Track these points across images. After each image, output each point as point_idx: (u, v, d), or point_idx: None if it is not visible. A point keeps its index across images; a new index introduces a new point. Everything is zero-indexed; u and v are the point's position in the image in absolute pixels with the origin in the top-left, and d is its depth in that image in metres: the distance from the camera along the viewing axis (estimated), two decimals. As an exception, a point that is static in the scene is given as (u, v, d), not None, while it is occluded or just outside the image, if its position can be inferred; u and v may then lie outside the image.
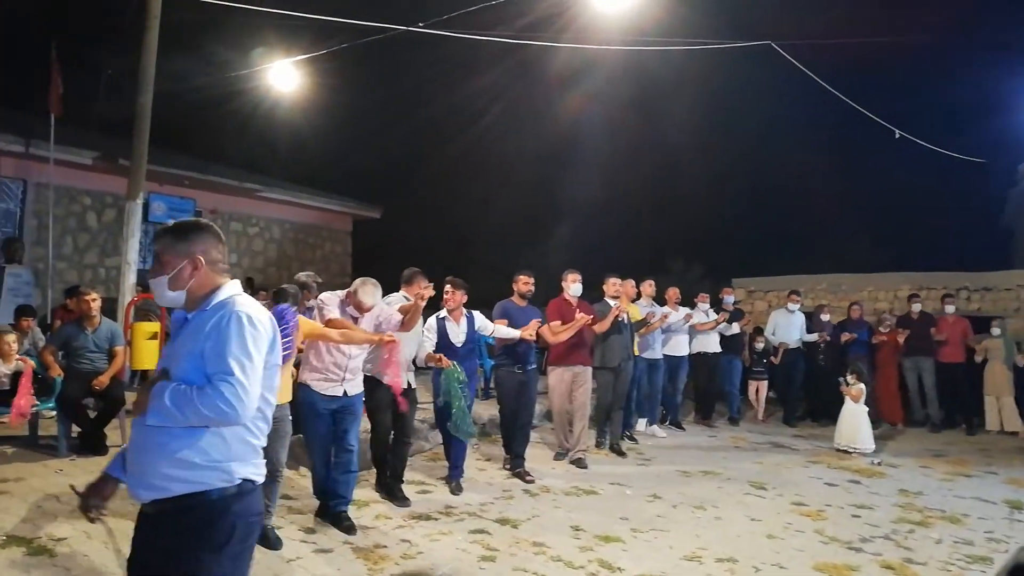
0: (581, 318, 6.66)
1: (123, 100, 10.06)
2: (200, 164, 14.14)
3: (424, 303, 5.18)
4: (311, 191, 15.52)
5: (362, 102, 22.20)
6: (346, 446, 4.95)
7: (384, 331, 4.96)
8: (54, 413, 6.19)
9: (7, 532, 4.30)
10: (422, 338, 5.81)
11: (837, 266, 13.32)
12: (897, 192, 19.59)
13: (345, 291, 5.13)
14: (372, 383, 5.26)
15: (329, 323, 4.81)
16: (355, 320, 4.99)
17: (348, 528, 4.75)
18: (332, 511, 4.89)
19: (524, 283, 6.80)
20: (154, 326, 8.29)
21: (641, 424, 8.58)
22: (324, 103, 16.29)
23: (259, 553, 4.24)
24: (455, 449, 5.94)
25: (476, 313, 6.22)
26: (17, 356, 6.15)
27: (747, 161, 21.56)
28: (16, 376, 5.90)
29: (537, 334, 6.40)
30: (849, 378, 8.18)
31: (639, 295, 8.42)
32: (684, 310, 9.16)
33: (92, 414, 6.19)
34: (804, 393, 10.21)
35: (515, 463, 6.45)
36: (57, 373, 5.96)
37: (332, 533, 4.72)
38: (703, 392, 9.72)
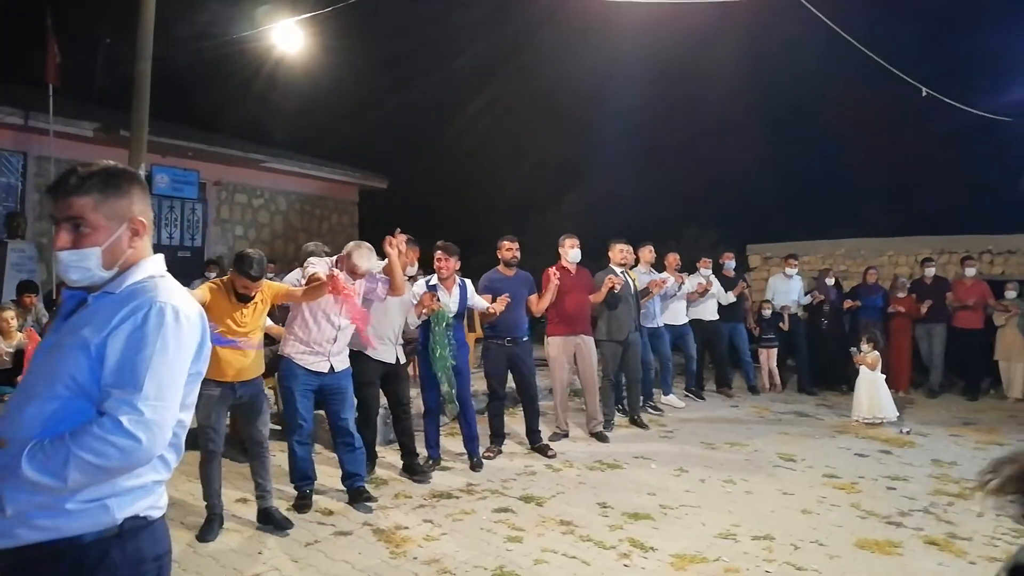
0: (552, 281, 6.26)
1: (122, 70, 9.77)
2: (203, 135, 13.85)
3: (395, 258, 4.69)
4: (317, 161, 15.24)
5: (367, 68, 21.77)
6: (344, 429, 4.73)
7: (375, 298, 4.80)
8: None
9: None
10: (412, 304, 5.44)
11: (856, 230, 13.02)
12: (919, 152, 19.01)
13: (336, 256, 4.81)
14: (359, 357, 5.00)
15: (310, 279, 4.42)
16: None
17: (367, 500, 4.65)
18: (349, 490, 4.74)
19: (507, 249, 6.27)
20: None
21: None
22: (328, 70, 15.95)
23: (274, 539, 4.11)
24: (466, 420, 5.69)
25: (468, 282, 5.88)
26: (25, 330, 5.98)
27: (762, 122, 21.00)
28: (19, 354, 5.71)
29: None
30: (864, 346, 7.84)
31: (637, 261, 8.07)
32: (686, 278, 8.85)
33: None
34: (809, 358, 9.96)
35: (532, 438, 6.22)
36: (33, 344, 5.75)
37: (352, 515, 4.54)
38: (716, 361, 9.47)
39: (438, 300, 5.34)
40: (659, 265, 8.62)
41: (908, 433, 7.17)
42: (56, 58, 10.83)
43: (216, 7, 11.22)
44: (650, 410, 7.86)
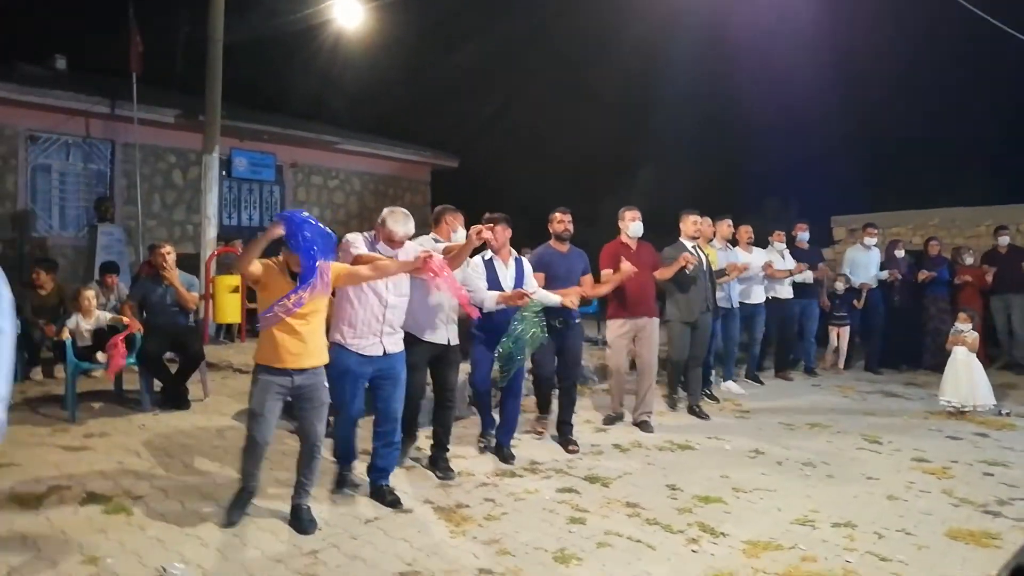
0: (622, 271, 5.73)
1: (201, 57, 9.99)
2: (279, 118, 14.13)
3: (479, 242, 4.44)
4: (389, 141, 15.36)
5: (437, 47, 21.77)
6: (389, 416, 4.37)
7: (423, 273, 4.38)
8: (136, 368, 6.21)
9: (88, 489, 4.26)
10: (473, 281, 5.07)
11: (951, 199, 12.19)
12: (1019, 115, 17.61)
13: (372, 230, 4.53)
14: (407, 339, 4.59)
15: (357, 260, 4.14)
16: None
17: (393, 503, 4.25)
18: (372, 484, 4.40)
19: (559, 222, 5.74)
20: (235, 279, 8.30)
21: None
22: (399, 50, 15.98)
23: (335, 515, 4.09)
24: (508, 408, 5.26)
25: (524, 259, 5.47)
26: (124, 305, 6.20)
27: (847, 85, 19.88)
28: (99, 331, 5.92)
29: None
30: (960, 324, 7.13)
31: (713, 235, 7.65)
32: (759, 252, 8.25)
33: (173, 368, 6.18)
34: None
35: (562, 430, 5.65)
36: (137, 328, 5.93)
37: (414, 492, 4.49)
38: (780, 342, 8.78)
39: (528, 295, 4.95)
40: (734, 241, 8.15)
41: (1008, 415, 6.67)
42: (139, 47, 11.20)
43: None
44: (705, 397, 7.22)
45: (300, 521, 3.88)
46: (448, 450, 4.96)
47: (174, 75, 14.05)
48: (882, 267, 9.28)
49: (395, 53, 15.90)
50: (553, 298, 5.26)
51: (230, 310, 8.40)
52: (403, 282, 4.35)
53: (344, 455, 4.49)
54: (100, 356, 5.91)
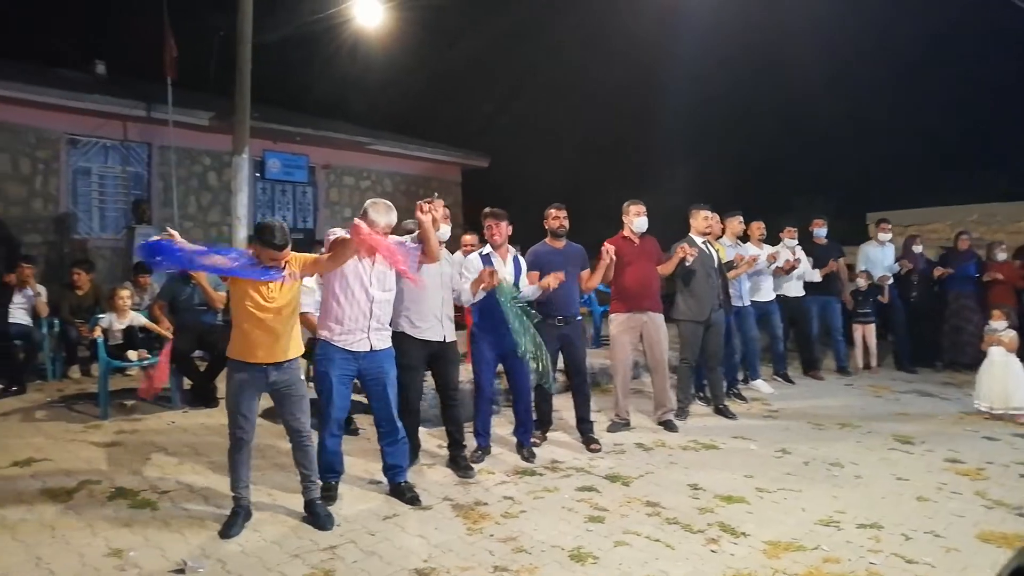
0: (604, 259, 5.61)
1: (233, 60, 10.15)
2: (311, 119, 14.28)
3: (428, 218, 4.16)
4: (419, 142, 15.43)
5: (467, 47, 21.79)
6: (385, 415, 4.35)
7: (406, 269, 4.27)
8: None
9: (116, 484, 4.36)
10: (462, 277, 5.02)
11: (990, 194, 11.85)
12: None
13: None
14: (400, 338, 4.61)
15: (335, 245, 4.01)
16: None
17: (412, 500, 4.24)
18: (391, 483, 4.41)
19: (554, 218, 5.62)
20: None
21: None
22: (428, 51, 16.05)
23: (353, 511, 4.12)
24: (520, 407, 5.23)
25: (521, 258, 5.39)
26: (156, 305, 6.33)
27: (882, 76, 19.42)
28: (130, 329, 6.04)
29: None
30: (995, 322, 6.86)
31: (723, 232, 7.39)
32: (769, 249, 7.90)
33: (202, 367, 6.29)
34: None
35: (582, 427, 5.58)
36: (166, 327, 6.05)
37: (433, 490, 4.51)
38: (800, 341, 8.52)
39: (496, 273, 4.87)
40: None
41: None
42: (173, 52, 11.41)
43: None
44: (734, 397, 7.06)
45: (316, 517, 3.90)
46: (465, 447, 4.92)
47: (208, 78, 14.29)
48: (896, 261, 9.07)
49: (425, 53, 15.98)
50: (530, 288, 5.22)
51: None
52: (388, 277, 4.32)
53: (327, 465, 4.29)
54: (132, 354, 6.05)
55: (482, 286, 4.85)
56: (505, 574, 3.43)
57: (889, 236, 9.14)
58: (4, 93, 10.20)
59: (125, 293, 6.34)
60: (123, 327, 6.09)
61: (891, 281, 8.86)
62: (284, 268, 3.81)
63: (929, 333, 8.87)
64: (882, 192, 13.98)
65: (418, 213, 4.19)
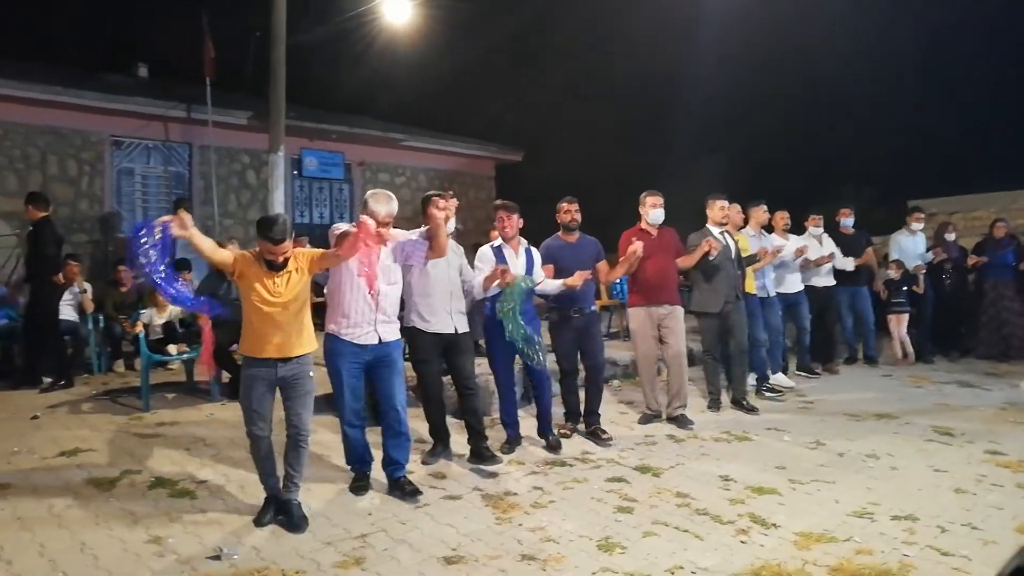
0: (629, 253, 5.51)
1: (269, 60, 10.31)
2: (346, 117, 14.46)
3: (444, 215, 4.20)
4: (453, 137, 15.51)
5: (498, 42, 21.82)
6: (390, 402, 4.33)
7: (416, 262, 4.34)
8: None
9: (156, 474, 4.50)
10: (475, 270, 5.01)
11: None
12: None
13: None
14: (412, 333, 4.70)
15: (341, 239, 3.98)
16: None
17: (412, 493, 4.21)
18: (389, 478, 4.35)
19: (565, 212, 5.57)
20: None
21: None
22: (460, 46, 16.10)
23: (384, 500, 4.19)
24: (541, 400, 5.21)
25: (534, 250, 5.36)
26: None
27: (929, 61, 18.90)
28: (169, 324, 6.21)
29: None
30: None
31: (746, 222, 7.16)
32: (795, 239, 7.73)
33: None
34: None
35: (589, 420, 5.54)
36: (205, 322, 6.19)
37: (464, 480, 4.56)
38: (821, 333, 8.17)
39: (509, 272, 4.83)
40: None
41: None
42: (211, 53, 11.66)
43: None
44: (766, 393, 6.86)
45: (290, 517, 3.81)
46: (486, 437, 4.88)
47: (246, 78, 14.55)
48: (928, 250, 8.88)
49: (457, 48, 16.04)
50: (553, 283, 5.21)
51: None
52: (393, 270, 4.32)
53: (356, 458, 4.37)
54: (171, 348, 6.22)
55: (495, 283, 4.83)
56: (533, 563, 3.46)
57: (921, 225, 8.97)
58: (51, 97, 10.52)
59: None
60: (163, 322, 6.26)
61: (925, 271, 8.68)
62: (287, 264, 3.83)
63: (954, 323, 8.67)
64: (925, 179, 13.65)
65: (432, 209, 4.24)
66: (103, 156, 11.39)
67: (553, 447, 5.13)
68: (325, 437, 5.18)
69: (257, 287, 3.79)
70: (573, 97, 21.47)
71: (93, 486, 4.32)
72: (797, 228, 8.06)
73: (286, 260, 3.82)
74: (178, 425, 5.58)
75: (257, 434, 3.87)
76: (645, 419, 5.97)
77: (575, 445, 5.30)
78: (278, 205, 9.12)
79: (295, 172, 13.24)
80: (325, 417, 5.37)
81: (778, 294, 7.43)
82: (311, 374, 3.99)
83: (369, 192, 4.29)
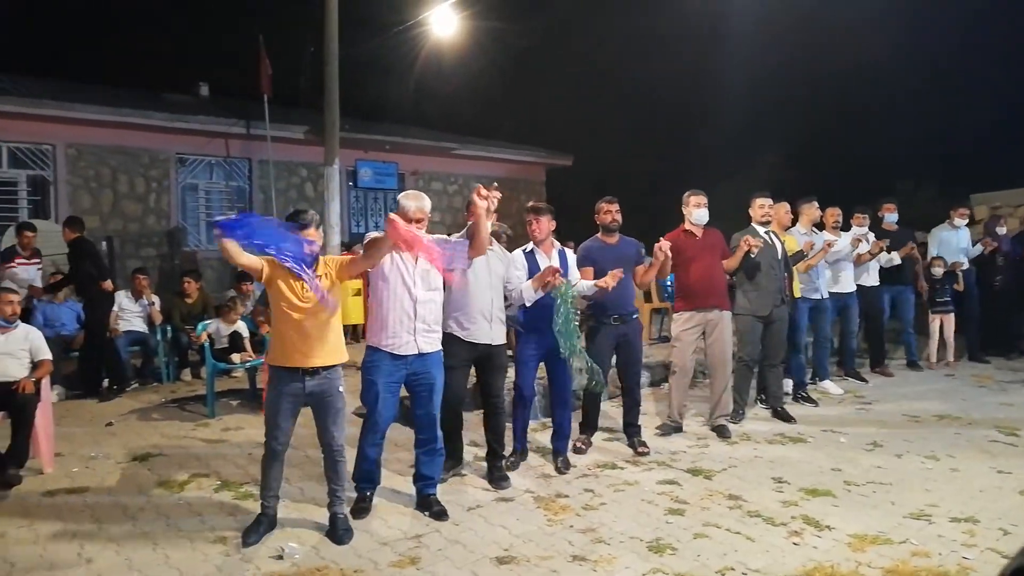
0: (658, 256, 5.21)
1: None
2: (399, 128, 14.75)
3: (486, 204, 3.93)
4: (503, 144, 15.67)
5: (546, 47, 21.92)
6: (427, 422, 4.21)
7: (459, 264, 4.06)
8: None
9: (222, 478, 4.70)
10: (513, 273, 4.78)
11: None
12: None
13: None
14: (447, 339, 4.45)
15: (368, 245, 3.95)
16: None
17: (439, 514, 4.07)
18: (419, 494, 4.25)
19: (606, 212, 5.34)
20: (357, 283, 8.76)
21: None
22: (508, 52, 16.24)
23: (441, 501, 4.26)
24: (559, 414, 4.99)
25: (568, 251, 5.17)
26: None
27: (993, 50, 18.22)
28: (234, 334, 6.46)
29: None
30: None
31: (794, 221, 6.86)
32: (846, 236, 7.37)
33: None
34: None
35: (629, 432, 5.38)
36: (266, 331, 6.43)
37: (516, 482, 4.62)
38: (871, 334, 7.98)
39: (560, 271, 4.67)
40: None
41: None
42: (268, 70, 12.05)
43: (398, 2, 11.82)
44: (802, 401, 6.56)
45: (335, 530, 3.82)
46: (503, 458, 4.74)
47: (301, 93, 14.97)
48: (974, 244, 8.58)
49: (505, 55, 16.19)
50: (585, 283, 4.99)
51: (353, 312, 8.88)
52: (432, 276, 4.15)
53: (365, 475, 4.22)
54: (235, 357, 6.47)
55: (547, 281, 4.62)
56: (584, 564, 3.51)
57: (965, 221, 8.67)
58: (120, 119, 11.05)
59: (239, 306, 6.74)
60: (228, 332, 6.52)
61: (965, 266, 8.38)
62: (315, 269, 3.79)
63: (1010, 319, 8.37)
64: (989, 173, 13.18)
65: (475, 196, 3.93)
66: (169, 173, 11.89)
67: (561, 469, 4.85)
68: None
69: (285, 291, 3.76)
70: (622, 99, 21.40)
71: (164, 488, 4.55)
72: (848, 227, 7.81)
73: (315, 257, 3.79)
74: (242, 431, 5.81)
75: (274, 447, 3.84)
76: (665, 430, 5.72)
77: (626, 448, 5.32)
78: (335, 216, 9.38)
79: (350, 183, 13.58)
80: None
81: (831, 294, 7.13)
82: (340, 389, 3.91)
83: (402, 194, 4.19)
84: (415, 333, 4.08)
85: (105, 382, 7.20)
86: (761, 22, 18.03)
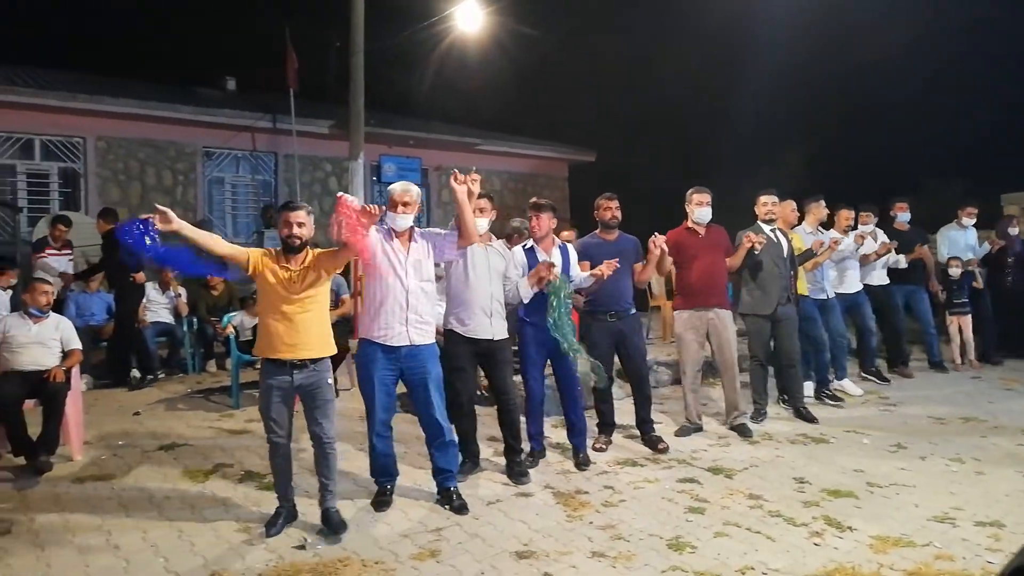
0: (653, 252, 5.15)
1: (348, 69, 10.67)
2: (423, 123, 14.79)
3: (462, 196, 3.97)
4: (526, 139, 15.66)
5: (568, 42, 21.84)
6: (430, 419, 4.16)
7: (450, 256, 4.18)
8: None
9: (246, 468, 4.77)
10: (511, 271, 4.70)
11: None
12: None
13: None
14: (448, 336, 4.51)
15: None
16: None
17: (460, 508, 4.06)
18: (439, 487, 4.23)
19: (605, 208, 5.27)
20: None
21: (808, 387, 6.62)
22: (530, 48, 16.21)
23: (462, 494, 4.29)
24: (572, 411, 4.92)
25: (571, 247, 5.08)
26: None
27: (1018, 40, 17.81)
28: (258, 327, 6.51)
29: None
30: None
31: (801, 219, 6.75)
32: (853, 235, 7.18)
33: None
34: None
35: (643, 428, 5.33)
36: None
37: (536, 479, 4.64)
38: (888, 334, 7.80)
39: (554, 268, 4.63)
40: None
41: None
42: (295, 65, 12.14)
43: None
44: (826, 400, 6.50)
45: (329, 524, 3.81)
46: (519, 453, 4.68)
47: (327, 88, 15.08)
48: (984, 244, 8.44)
49: (529, 50, 16.17)
50: (581, 275, 4.92)
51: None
52: (424, 266, 4.13)
53: (380, 468, 4.21)
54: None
55: (540, 277, 4.59)
56: (603, 560, 3.52)
57: (973, 220, 8.51)
58: (148, 112, 11.20)
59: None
60: (253, 324, 6.58)
61: (978, 266, 8.26)
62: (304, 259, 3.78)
63: (1020, 321, 8.19)
64: (1021, 170, 12.95)
65: (451, 181, 3.99)
66: (196, 166, 12.04)
67: (582, 464, 4.82)
68: (402, 427, 5.26)
69: (273, 282, 3.75)
70: (646, 95, 21.27)
71: (189, 478, 4.62)
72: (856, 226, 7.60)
73: (303, 243, 3.78)
74: (266, 422, 5.87)
75: (276, 441, 3.88)
76: (683, 431, 5.62)
77: (645, 446, 5.31)
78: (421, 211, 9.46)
79: (374, 178, 13.64)
80: (404, 414, 5.54)
81: (837, 295, 7.00)
82: (329, 381, 3.92)
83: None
84: (407, 324, 4.04)
85: (134, 372, 7.32)
86: (784, 18, 17.83)
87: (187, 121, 11.64)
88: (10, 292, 6.93)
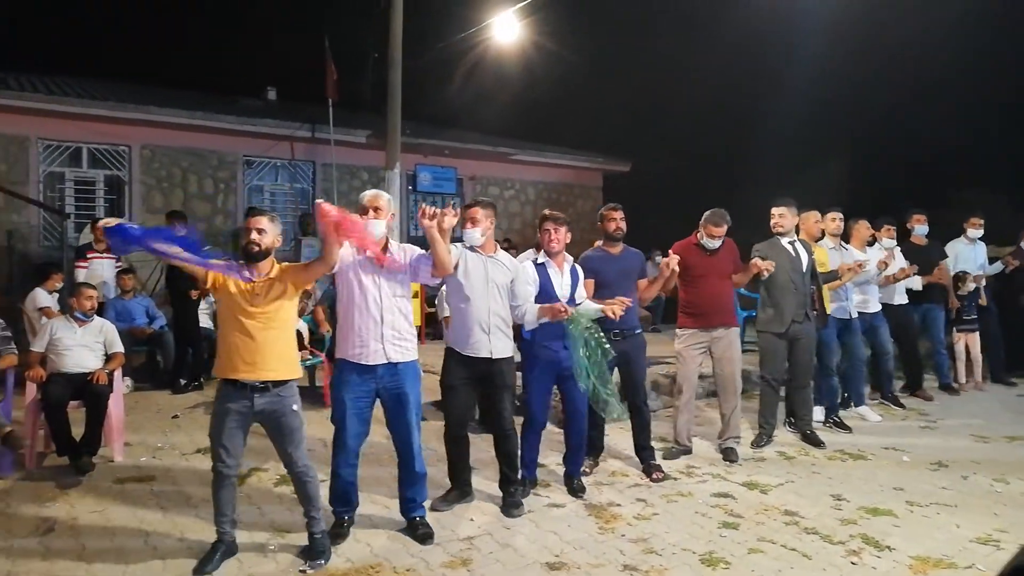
0: (663, 266, 4.94)
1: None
2: (458, 133, 14.90)
3: (433, 231, 3.79)
4: (561, 149, 15.67)
5: (603, 52, 21.84)
6: (401, 442, 3.95)
7: (422, 278, 3.97)
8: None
9: (280, 473, 4.76)
10: (523, 288, 4.36)
11: None
12: None
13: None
14: (447, 353, 4.28)
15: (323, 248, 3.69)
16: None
17: (424, 537, 3.82)
18: (405, 517, 4.00)
19: (611, 220, 4.98)
20: (415, 285, 8.90)
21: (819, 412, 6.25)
22: (565, 58, 16.24)
23: (490, 505, 4.31)
24: (572, 433, 4.66)
25: (579, 267, 4.77)
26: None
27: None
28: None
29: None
30: None
31: (823, 235, 6.38)
32: (873, 251, 6.94)
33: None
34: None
35: (642, 456, 5.02)
36: (327, 329, 6.58)
37: (567, 489, 4.63)
38: (906, 355, 7.48)
39: (569, 310, 4.28)
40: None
41: None
42: (334, 76, 12.32)
43: (458, 10, 11.98)
44: (833, 426, 6.15)
45: (315, 548, 3.62)
46: (518, 481, 4.40)
47: (365, 98, 15.26)
48: (992, 261, 8.18)
49: (565, 61, 16.20)
50: (593, 307, 4.51)
51: (413, 313, 9.06)
52: (400, 279, 3.91)
53: (340, 496, 3.95)
54: (296, 355, 6.62)
55: (549, 318, 4.31)
56: (635, 573, 3.50)
57: (979, 232, 8.20)
58: (192, 121, 11.45)
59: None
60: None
61: (984, 282, 7.99)
62: (255, 273, 3.57)
63: None
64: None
65: (420, 217, 3.83)
66: (236, 175, 12.25)
67: (577, 492, 4.56)
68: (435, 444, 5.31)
69: (233, 292, 3.51)
70: (682, 106, 21.16)
71: (226, 481, 4.69)
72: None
73: (263, 251, 3.56)
74: (301, 427, 5.95)
75: (222, 471, 3.56)
76: (671, 454, 5.34)
77: (680, 460, 5.27)
78: (395, 220, 9.53)
79: (410, 188, 13.76)
80: (434, 423, 5.56)
81: (860, 314, 6.67)
82: (295, 408, 3.62)
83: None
84: (383, 340, 3.81)
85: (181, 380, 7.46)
86: (828, 27, 17.62)
87: (229, 131, 11.88)
88: (55, 295, 7.12)
